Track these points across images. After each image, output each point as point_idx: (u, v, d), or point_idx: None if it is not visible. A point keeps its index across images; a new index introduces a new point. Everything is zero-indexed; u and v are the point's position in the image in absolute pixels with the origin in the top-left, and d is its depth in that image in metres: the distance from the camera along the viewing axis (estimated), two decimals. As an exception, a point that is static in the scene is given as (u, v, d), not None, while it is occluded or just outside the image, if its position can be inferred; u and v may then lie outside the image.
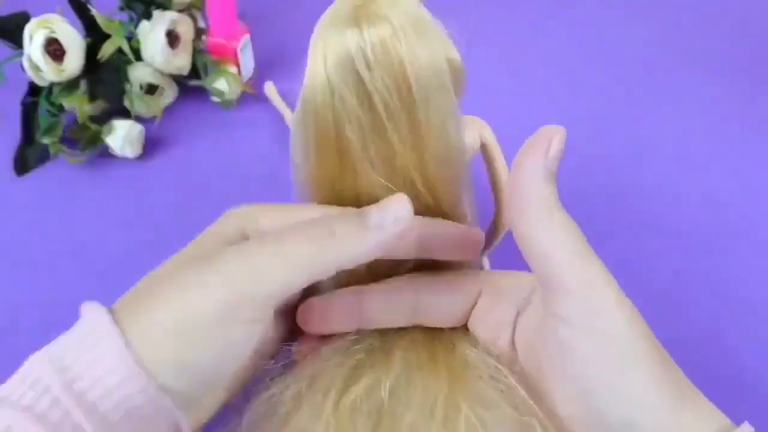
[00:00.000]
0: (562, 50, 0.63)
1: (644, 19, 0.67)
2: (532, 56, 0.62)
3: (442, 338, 0.31)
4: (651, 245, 0.43)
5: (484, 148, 0.35)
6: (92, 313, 0.24)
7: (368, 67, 0.26)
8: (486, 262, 0.39)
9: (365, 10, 0.26)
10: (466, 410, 0.27)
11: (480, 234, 0.32)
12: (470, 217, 0.33)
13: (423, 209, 0.30)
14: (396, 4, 0.26)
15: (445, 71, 0.27)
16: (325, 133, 0.28)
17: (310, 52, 0.27)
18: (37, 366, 0.23)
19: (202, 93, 0.56)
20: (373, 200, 0.29)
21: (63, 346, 0.24)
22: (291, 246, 0.26)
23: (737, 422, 0.24)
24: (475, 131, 0.34)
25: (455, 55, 0.28)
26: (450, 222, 0.31)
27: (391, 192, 0.28)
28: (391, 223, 0.26)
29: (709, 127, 0.53)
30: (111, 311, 0.25)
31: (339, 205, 0.30)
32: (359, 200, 0.30)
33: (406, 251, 0.30)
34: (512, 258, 0.41)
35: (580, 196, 0.47)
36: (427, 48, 0.26)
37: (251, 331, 0.26)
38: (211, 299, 0.24)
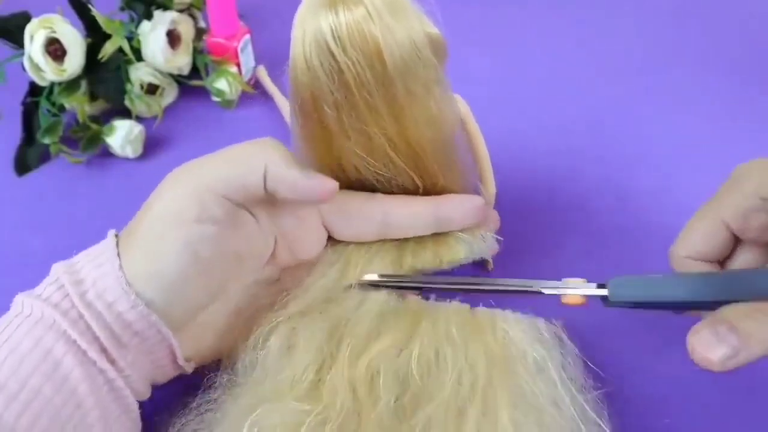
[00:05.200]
0: (561, 49, 0.63)
1: (644, 18, 0.67)
2: (531, 55, 0.62)
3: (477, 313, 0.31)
4: (650, 246, 0.43)
5: (461, 121, 0.36)
6: (109, 236, 0.29)
7: (341, 46, 0.28)
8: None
9: None
10: (504, 415, 0.26)
11: (478, 199, 0.34)
12: (465, 180, 0.35)
13: (406, 177, 0.32)
14: None
15: (423, 44, 0.29)
16: (307, 110, 0.30)
17: (292, 34, 0.29)
18: (61, 274, 0.28)
19: (203, 93, 0.56)
20: (353, 169, 0.32)
21: (82, 260, 0.28)
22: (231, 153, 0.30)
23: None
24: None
25: (433, 29, 0.30)
26: (451, 195, 0.34)
27: (367, 161, 0.31)
28: (312, 179, 0.30)
29: (709, 127, 0.53)
30: (117, 236, 0.29)
31: (324, 172, 0.32)
32: (343, 169, 0.33)
33: (425, 229, 0.34)
34: (517, 263, 0.42)
35: (580, 197, 0.47)
36: (403, 25, 0.28)
37: (203, 231, 0.28)
38: (160, 204, 0.28)
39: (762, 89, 0.57)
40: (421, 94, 0.30)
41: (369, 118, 0.30)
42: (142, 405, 0.29)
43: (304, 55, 0.28)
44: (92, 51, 0.50)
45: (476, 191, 0.36)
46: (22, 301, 0.27)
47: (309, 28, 0.28)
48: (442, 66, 0.31)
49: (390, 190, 0.34)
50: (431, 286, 0.33)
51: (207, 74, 0.55)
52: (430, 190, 0.34)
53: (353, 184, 0.33)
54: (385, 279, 0.32)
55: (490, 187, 0.37)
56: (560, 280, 0.30)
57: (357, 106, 0.29)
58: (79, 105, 0.50)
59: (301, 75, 0.29)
